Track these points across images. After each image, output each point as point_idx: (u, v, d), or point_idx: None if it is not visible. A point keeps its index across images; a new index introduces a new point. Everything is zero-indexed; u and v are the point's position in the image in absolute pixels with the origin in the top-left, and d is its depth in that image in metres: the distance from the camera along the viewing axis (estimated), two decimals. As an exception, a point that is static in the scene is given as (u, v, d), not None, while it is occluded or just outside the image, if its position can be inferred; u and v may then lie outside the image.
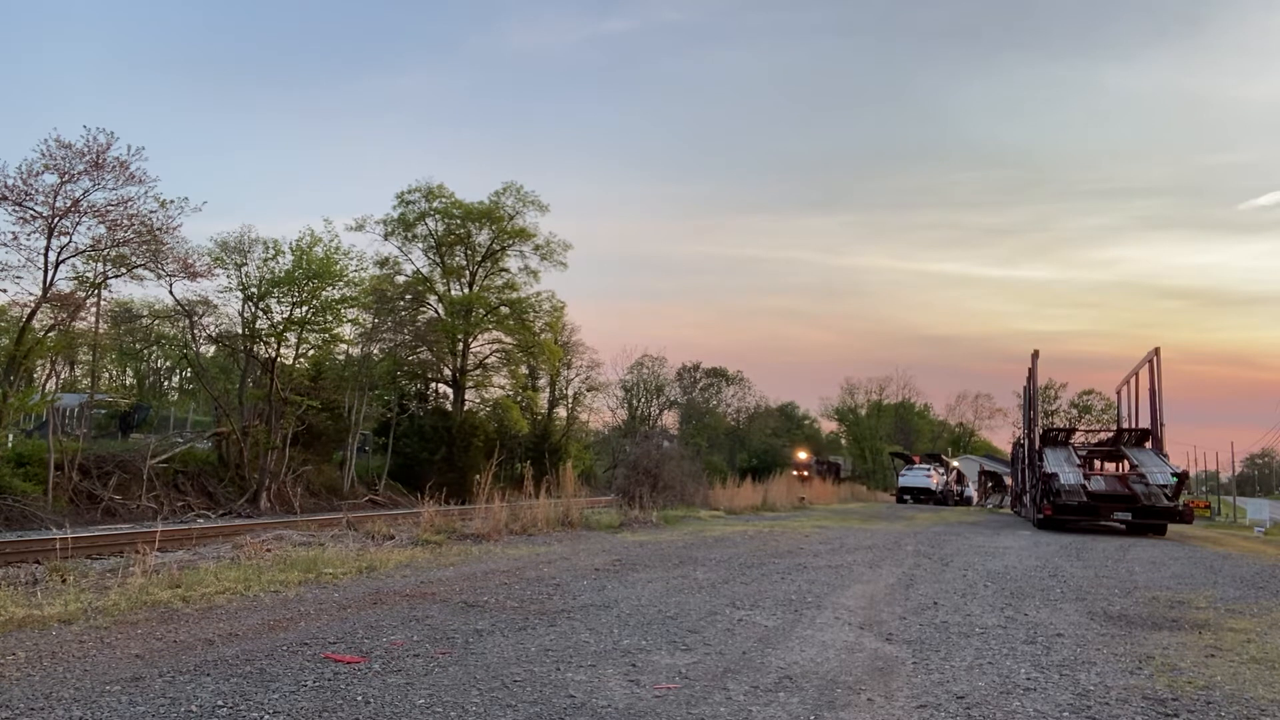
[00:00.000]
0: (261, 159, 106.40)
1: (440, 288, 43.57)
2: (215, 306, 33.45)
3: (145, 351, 50.78)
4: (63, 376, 45.22)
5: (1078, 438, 29.77)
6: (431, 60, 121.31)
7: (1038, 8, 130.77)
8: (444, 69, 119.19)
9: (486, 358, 44.48)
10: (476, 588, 8.31)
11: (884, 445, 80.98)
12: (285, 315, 33.15)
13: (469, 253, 43.95)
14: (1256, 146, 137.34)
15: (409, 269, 43.70)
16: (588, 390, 55.60)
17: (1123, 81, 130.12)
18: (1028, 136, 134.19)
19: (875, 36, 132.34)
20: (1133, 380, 28.17)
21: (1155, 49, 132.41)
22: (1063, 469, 22.81)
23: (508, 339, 44.42)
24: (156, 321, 38.43)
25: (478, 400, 44.05)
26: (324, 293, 39.56)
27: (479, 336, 44.34)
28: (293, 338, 31.78)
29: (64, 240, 26.01)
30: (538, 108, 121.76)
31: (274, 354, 30.49)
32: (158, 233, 27.29)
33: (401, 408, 38.88)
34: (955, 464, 56.59)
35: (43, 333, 23.48)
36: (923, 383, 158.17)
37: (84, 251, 26.77)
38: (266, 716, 4.19)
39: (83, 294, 24.41)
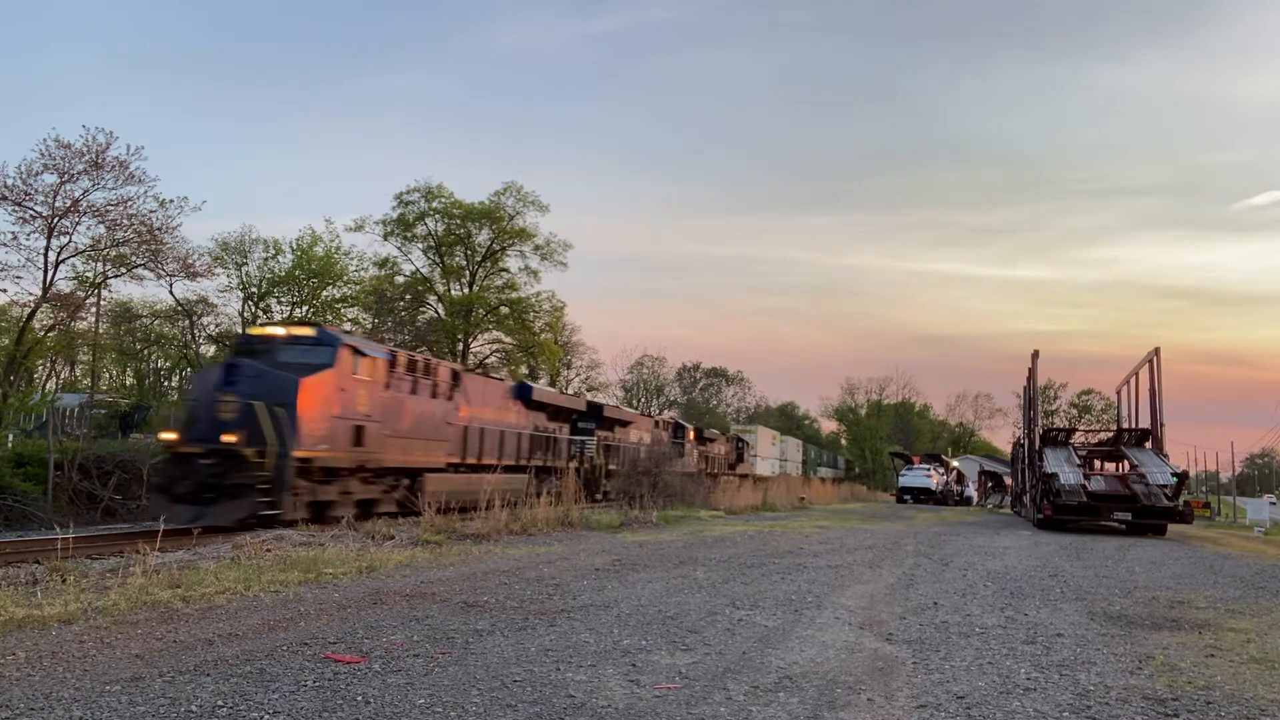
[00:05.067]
0: (261, 159, 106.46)
1: (440, 288, 43.56)
2: (215, 306, 33.39)
3: (145, 351, 50.82)
4: (63, 376, 45.25)
5: (1078, 438, 29.78)
6: (424, 61, 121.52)
7: (1031, 7, 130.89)
8: (437, 70, 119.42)
9: (486, 358, 44.48)
10: (476, 588, 8.30)
11: (884, 445, 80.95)
12: (285, 315, 33.12)
13: (469, 253, 43.93)
14: (1252, 145, 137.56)
15: (408, 269, 43.72)
16: (588, 390, 55.61)
17: (1117, 80, 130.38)
18: (1023, 136, 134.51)
19: (868, 35, 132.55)
20: (1133, 380, 28.18)
21: (1149, 48, 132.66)
22: (1063, 469, 22.82)
23: (508, 339, 44.40)
24: (156, 321, 38.45)
25: (478, 400, 44.04)
26: (324, 292, 39.56)
27: (479, 336, 44.33)
28: (293, 338, 31.73)
29: (64, 240, 25.97)
30: (534, 108, 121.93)
31: (274, 354, 30.45)
32: (157, 232, 27.27)
33: (402, 407, 38.86)
34: (955, 464, 56.59)
35: (43, 333, 23.48)
36: (923, 383, 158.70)
37: (84, 251, 26.73)
38: (266, 716, 4.19)
39: (83, 294, 24.41)
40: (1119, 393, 32.95)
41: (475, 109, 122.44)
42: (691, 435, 35.24)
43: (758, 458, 48.04)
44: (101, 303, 26.96)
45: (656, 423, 33.34)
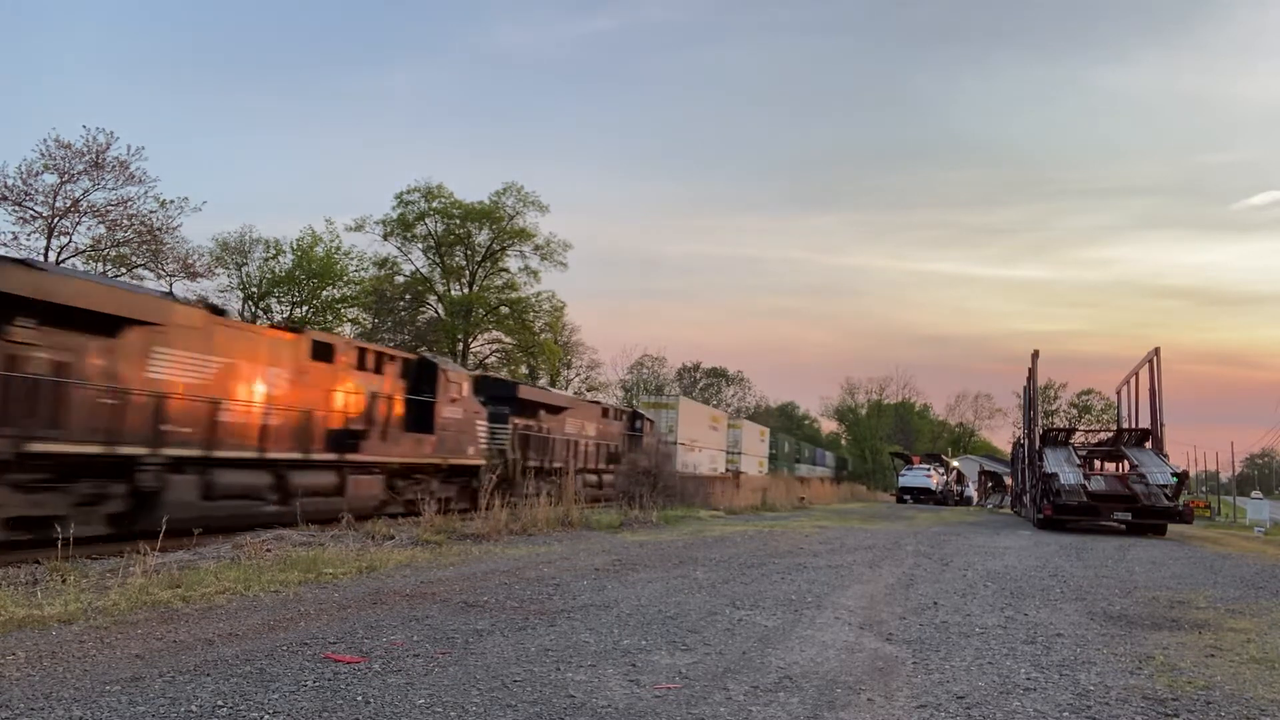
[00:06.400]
0: (261, 159, 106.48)
1: (440, 288, 43.60)
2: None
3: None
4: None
5: (1078, 438, 29.79)
6: (423, 60, 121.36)
7: (1031, 7, 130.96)
8: (436, 69, 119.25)
9: (486, 358, 44.51)
10: (476, 588, 8.30)
11: (884, 445, 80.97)
12: (285, 315, 33.11)
13: (469, 253, 43.98)
14: (1252, 145, 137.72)
15: (408, 269, 43.76)
16: (588, 390, 55.60)
17: (1117, 80, 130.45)
18: (1022, 135, 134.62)
19: (867, 35, 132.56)
20: (1133, 380, 28.19)
21: (1149, 48, 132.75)
22: (1063, 469, 22.83)
23: (508, 339, 44.45)
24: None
25: (478, 400, 43.96)
26: (324, 292, 39.61)
27: (479, 336, 44.38)
28: (293, 338, 31.74)
29: (64, 240, 26.03)
30: (534, 108, 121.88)
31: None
32: (158, 232, 27.34)
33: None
34: (955, 464, 56.59)
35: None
36: (923, 383, 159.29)
37: (84, 251, 26.78)
38: (266, 716, 4.19)
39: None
40: (1119, 393, 32.96)
41: (475, 109, 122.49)
42: (465, 389, 18.25)
43: (678, 446, 32.62)
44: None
45: (366, 355, 15.59)
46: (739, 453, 44.05)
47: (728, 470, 39.74)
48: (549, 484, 20.29)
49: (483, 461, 18.67)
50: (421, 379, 16.98)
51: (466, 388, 18.42)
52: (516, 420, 21.00)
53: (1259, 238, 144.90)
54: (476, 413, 18.70)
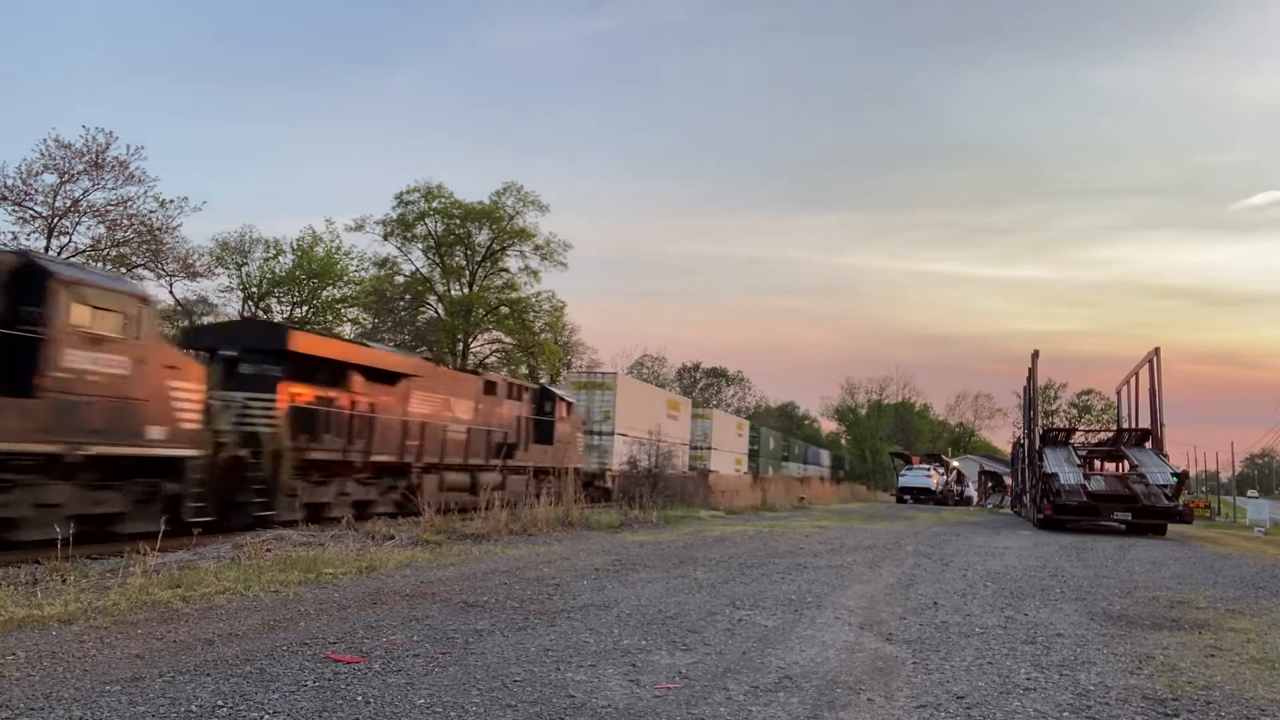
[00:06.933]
0: (261, 159, 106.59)
1: (440, 288, 43.59)
2: (215, 306, 33.41)
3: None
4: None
5: (1078, 438, 29.81)
6: (423, 60, 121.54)
7: (1031, 7, 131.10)
8: (436, 69, 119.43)
9: (486, 358, 44.51)
10: (476, 588, 8.30)
11: (884, 445, 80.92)
12: (285, 315, 33.08)
13: (469, 253, 43.96)
14: (1252, 145, 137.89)
15: (408, 269, 43.75)
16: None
17: (1117, 80, 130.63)
18: (1022, 135, 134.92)
19: (868, 35, 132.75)
20: (1133, 380, 28.20)
21: (1149, 48, 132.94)
22: (1063, 469, 22.83)
23: (508, 339, 44.44)
24: (156, 321, 38.35)
25: (477, 400, 43.87)
26: (324, 292, 39.61)
27: (479, 336, 44.37)
28: (293, 338, 31.73)
29: (64, 240, 26.06)
30: (535, 107, 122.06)
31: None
32: (157, 232, 27.37)
33: (401, 407, 38.66)
34: (955, 464, 56.58)
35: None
36: (923, 383, 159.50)
37: (84, 251, 26.79)
38: (266, 716, 4.19)
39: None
40: (1119, 393, 32.98)
41: (475, 109, 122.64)
42: (141, 322, 10.58)
43: (615, 436, 26.82)
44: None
45: None
46: (708, 447, 37.19)
47: (692, 467, 33.29)
48: (375, 486, 15.43)
49: (189, 451, 11.35)
50: (18, 299, 9.24)
51: (141, 320, 10.54)
52: (295, 388, 13.67)
53: (1259, 238, 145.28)
54: (173, 367, 11.21)
